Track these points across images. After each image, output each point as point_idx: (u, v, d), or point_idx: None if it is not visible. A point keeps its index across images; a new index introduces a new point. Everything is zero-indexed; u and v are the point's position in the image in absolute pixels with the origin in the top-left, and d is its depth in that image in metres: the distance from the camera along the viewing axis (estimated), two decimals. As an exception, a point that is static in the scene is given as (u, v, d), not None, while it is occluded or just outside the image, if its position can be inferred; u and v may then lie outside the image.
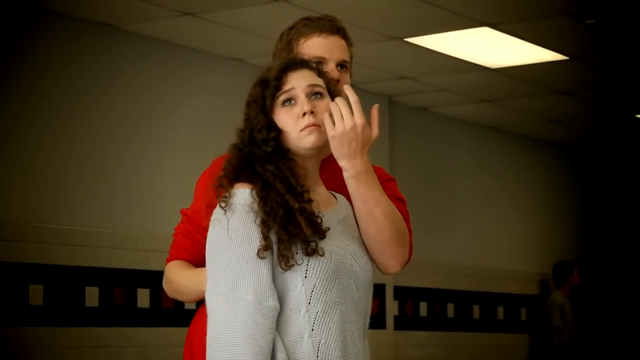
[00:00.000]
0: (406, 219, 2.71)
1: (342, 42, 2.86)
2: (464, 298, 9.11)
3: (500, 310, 9.57)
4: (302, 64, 2.55)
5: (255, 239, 2.36)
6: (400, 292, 8.43)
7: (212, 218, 2.44)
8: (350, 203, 2.56)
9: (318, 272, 2.39)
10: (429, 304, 8.76)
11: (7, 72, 5.90)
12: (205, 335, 2.37)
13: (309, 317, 2.39)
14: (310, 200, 2.43)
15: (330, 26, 2.85)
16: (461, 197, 9.23)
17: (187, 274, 2.73)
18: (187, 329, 2.82)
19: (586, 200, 10.99)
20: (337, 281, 2.42)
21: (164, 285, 2.82)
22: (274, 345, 2.34)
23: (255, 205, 2.39)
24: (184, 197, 3.31)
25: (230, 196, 2.42)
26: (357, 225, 2.56)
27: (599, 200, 11.15)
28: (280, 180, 2.43)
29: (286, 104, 2.49)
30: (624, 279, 10.83)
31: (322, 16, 2.89)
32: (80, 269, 6.05)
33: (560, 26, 6.60)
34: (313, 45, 2.82)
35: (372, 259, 2.56)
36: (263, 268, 2.35)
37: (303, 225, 2.39)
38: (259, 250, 2.35)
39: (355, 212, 2.54)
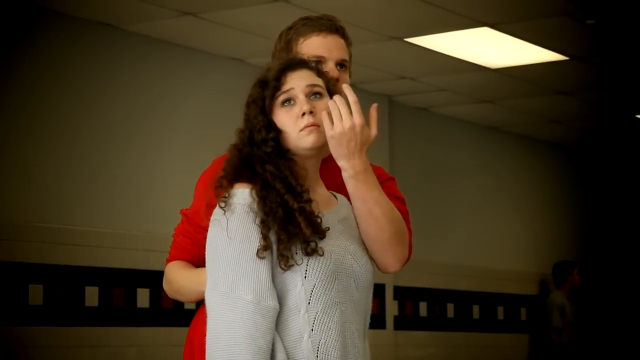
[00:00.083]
0: (406, 218, 2.71)
1: (341, 41, 2.86)
2: (463, 298, 9.11)
3: (500, 310, 9.57)
4: (301, 64, 2.55)
5: (254, 239, 2.36)
6: (400, 292, 8.43)
7: (212, 218, 2.44)
8: (351, 203, 2.56)
9: (318, 272, 2.39)
10: (429, 304, 8.76)
11: (7, 72, 5.90)
12: (205, 335, 2.37)
13: (308, 317, 2.38)
14: (309, 200, 2.43)
15: (329, 25, 2.85)
16: (461, 197, 9.23)
17: (187, 274, 2.73)
18: (187, 328, 2.82)
19: (586, 200, 10.99)
20: (336, 281, 2.42)
21: (164, 285, 2.82)
22: (273, 345, 2.33)
23: (255, 205, 2.39)
24: (184, 197, 3.31)
25: (229, 196, 2.42)
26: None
27: (599, 200, 11.15)
28: (279, 180, 2.43)
29: (285, 104, 2.49)
30: (624, 279, 10.83)
31: (321, 16, 2.89)
32: (80, 269, 6.05)
33: (560, 26, 6.60)
34: (312, 45, 2.82)
35: (372, 259, 2.56)
36: (262, 268, 2.35)
37: (302, 225, 2.39)
38: (258, 250, 2.35)
39: (355, 211, 2.54)
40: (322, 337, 2.39)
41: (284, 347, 2.36)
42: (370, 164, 2.54)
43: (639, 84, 8.12)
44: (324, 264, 2.40)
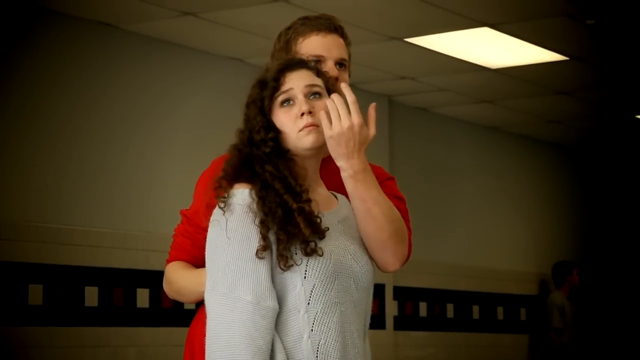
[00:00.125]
0: (405, 217, 2.71)
1: (341, 40, 2.86)
2: (463, 298, 9.10)
3: (500, 310, 9.56)
4: (300, 64, 2.55)
5: (254, 239, 2.36)
6: (400, 292, 8.43)
7: (212, 218, 2.43)
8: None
9: (317, 272, 2.39)
10: (429, 304, 8.76)
11: (7, 72, 5.90)
12: (205, 335, 2.37)
13: (308, 317, 2.38)
14: (309, 200, 2.43)
15: (329, 25, 2.85)
16: (461, 197, 9.23)
17: (188, 274, 2.73)
18: (186, 329, 2.82)
19: (586, 201, 10.98)
20: (336, 281, 2.42)
21: (164, 286, 2.81)
22: (273, 345, 2.33)
23: (254, 206, 2.39)
24: (184, 197, 3.31)
25: (229, 196, 2.41)
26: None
27: (599, 200, 11.15)
28: (278, 180, 2.42)
29: (285, 104, 2.49)
30: (624, 279, 10.82)
31: (320, 15, 2.89)
32: (80, 269, 6.05)
33: (560, 26, 6.60)
34: (311, 44, 2.82)
35: (372, 259, 2.56)
36: (262, 268, 2.35)
37: (302, 225, 2.39)
38: (257, 251, 2.35)
39: (354, 211, 2.54)
40: (322, 338, 2.38)
41: (284, 347, 2.35)
42: (370, 164, 2.54)
43: (639, 84, 8.12)
44: (323, 264, 2.39)
